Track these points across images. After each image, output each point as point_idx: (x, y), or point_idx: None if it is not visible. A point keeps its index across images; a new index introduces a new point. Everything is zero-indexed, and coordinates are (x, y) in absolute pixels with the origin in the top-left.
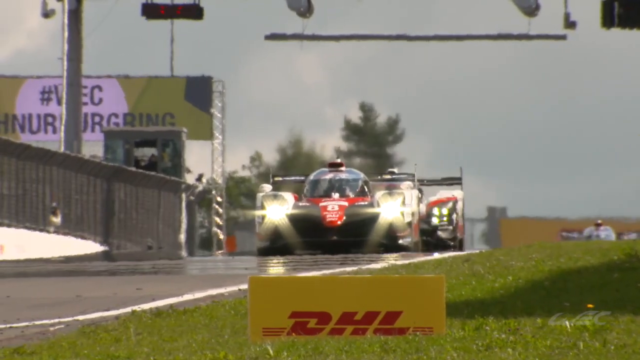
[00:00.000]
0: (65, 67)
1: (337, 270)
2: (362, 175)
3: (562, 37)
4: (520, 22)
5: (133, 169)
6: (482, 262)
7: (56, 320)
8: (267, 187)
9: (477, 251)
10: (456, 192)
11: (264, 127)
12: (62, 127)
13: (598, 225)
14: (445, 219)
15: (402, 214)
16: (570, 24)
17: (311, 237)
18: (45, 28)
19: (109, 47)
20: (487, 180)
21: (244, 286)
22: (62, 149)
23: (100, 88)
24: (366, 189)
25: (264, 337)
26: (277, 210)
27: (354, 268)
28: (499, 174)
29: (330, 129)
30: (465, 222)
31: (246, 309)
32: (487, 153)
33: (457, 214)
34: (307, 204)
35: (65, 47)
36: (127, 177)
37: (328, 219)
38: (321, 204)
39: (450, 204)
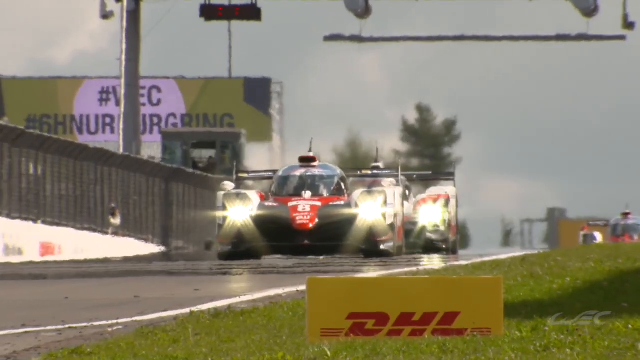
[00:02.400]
0: (123, 68)
1: (395, 271)
2: (338, 171)
3: (621, 38)
4: (579, 23)
5: (190, 170)
6: (540, 263)
7: (114, 321)
8: (229, 185)
9: (536, 252)
10: (448, 189)
11: (321, 128)
12: (121, 128)
13: (626, 214)
14: (435, 219)
15: (383, 216)
16: (628, 25)
17: (279, 241)
18: (105, 29)
19: (166, 48)
20: (547, 181)
21: (302, 287)
22: (120, 150)
23: (158, 89)
24: (343, 187)
25: (321, 338)
26: (240, 211)
27: (412, 269)
28: (559, 174)
29: (389, 130)
30: (458, 222)
31: (304, 309)
32: (545, 154)
33: (449, 213)
34: (275, 204)
35: (124, 48)
36: (185, 178)
37: (298, 221)
38: (290, 204)
39: (441, 202)
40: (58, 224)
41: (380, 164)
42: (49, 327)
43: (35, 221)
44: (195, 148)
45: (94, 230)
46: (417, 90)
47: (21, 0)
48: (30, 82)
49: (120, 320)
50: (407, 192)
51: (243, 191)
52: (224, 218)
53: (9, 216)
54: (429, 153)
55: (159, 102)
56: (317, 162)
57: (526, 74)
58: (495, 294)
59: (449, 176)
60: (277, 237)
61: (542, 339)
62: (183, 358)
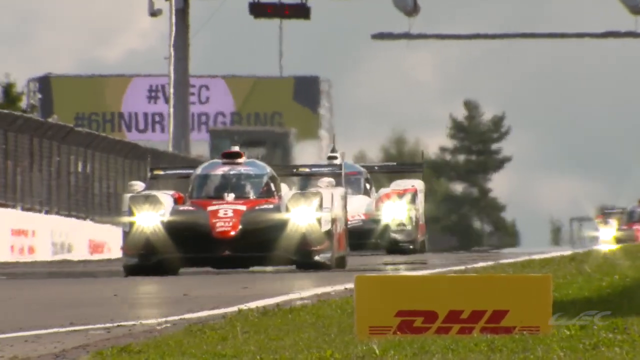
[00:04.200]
0: (172, 66)
1: (443, 269)
2: (267, 169)
3: None
4: (627, 21)
5: None
6: (589, 261)
7: (163, 319)
8: (139, 186)
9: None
10: (416, 182)
11: (370, 126)
12: (171, 127)
13: None
14: (400, 216)
15: (319, 221)
16: None
17: (195, 252)
18: (156, 27)
19: (216, 46)
20: (597, 179)
21: (351, 285)
22: (170, 148)
23: (207, 87)
24: (273, 188)
25: (370, 336)
26: (149, 217)
27: (461, 267)
28: (609, 172)
29: (437, 127)
30: (426, 220)
31: (352, 307)
32: (594, 151)
33: (416, 210)
34: (191, 208)
35: (172, 46)
36: None
37: (218, 229)
38: (210, 209)
39: (407, 198)
40: (106, 222)
41: (338, 154)
42: (97, 325)
43: (84, 219)
44: (244, 146)
45: None
46: (465, 88)
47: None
48: (79, 80)
49: (169, 318)
50: (367, 186)
51: (154, 193)
52: (131, 225)
53: (58, 214)
54: (477, 149)
55: (207, 100)
56: (244, 158)
57: (574, 71)
58: (544, 292)
59: (417, 168)
60: (193, 247)
61: (591, 338)
62: (231, 356)
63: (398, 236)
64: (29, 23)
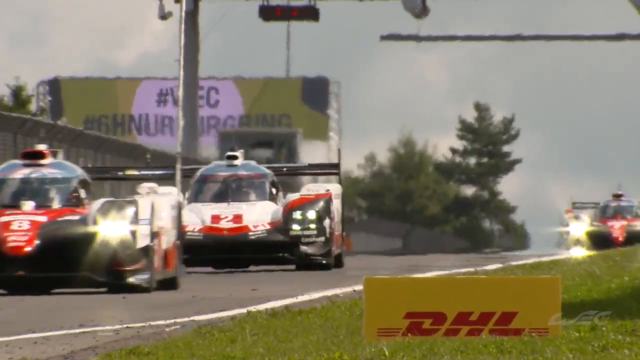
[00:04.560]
0: (181, 69)
1: (452, 271)
2: (78, 171)
3: None
4: (638, 22)
5: None
6: (598, 263)
7: (172, 321)
8: None
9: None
10: (331, 186)
11: (379, 128)
12: (180, 129)
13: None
14: (311, 225)
15: (134, 235)
16: None
17: None
18: (168, 30)
19: (225, 48)
20: (605, 181)
21: (359, 287)
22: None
23: (216, 90)
24: (83, 195)
25: (379, 338)
26: None
27: (470, 269)
28: (618, 174)
29: (447, 128)
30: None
31: (361, 309)
32: (604, 153)
33: (330, 218)
34: None
35: (182, 48)
36: None
37: (10, 243)
38: (2, 220)
39: (320, 204)
40: None
41: (239, 154)
42: (106, 327)
43: None
44: (253, 148)
45: None
46: (476, 89)
47: (87, 1)
48: (88, 83)
49: (178, 320)
50: (274, 191)
51: None
52: None
53: None
54: (487, 151)
55: (216, 103)
56: (50, 158)
57: (584, 72)
58: (553, 294)
59: (332, 169)
60: None
61: (600, 340)
62: (240, 358)
63: (309, 249)
64: (40, 25)
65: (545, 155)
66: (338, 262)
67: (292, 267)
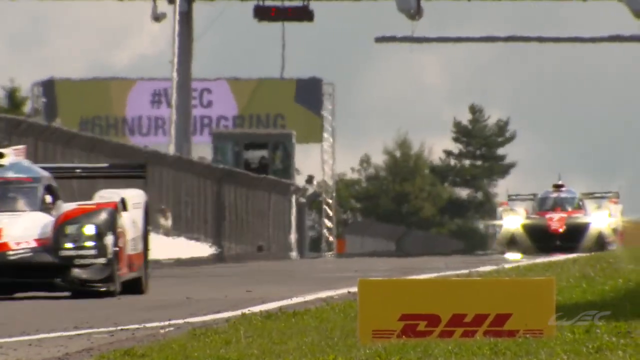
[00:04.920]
0: (175, 70)
1: (447, 273)
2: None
3: None
4: (633, 24)
5: (243, 171)
6: (592, 265)
7: (166, 323)
8: None
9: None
10: (129, 193)
11: (373, 129)
12: (172, 130)
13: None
14: (88, 243)
15: None
16: None
17: None
18: (163, 31)
19: (218, 49)
20: (604, 181)
21: (354, 289)
22: (171, 152)
23: (209, 90)
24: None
25: (373, 340)
26: None
27: (464, 271)
28: (616, 175)
29: (442, 130)
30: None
31: (356, 311)
32: (601, 155)
33: (115, 234)
34: None
35: (175, 49)
36: (237, 179)
37: None
38: None
39: (101, 217)
40: None
41: (7, 151)
42: (101, 329)
43: None
44: (247, 149)
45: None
46: (471, 91)
47: (84, 4)
48: (83, 84)
49: (172, 322)
50: (49, 198)
51: None
52: None
53: None
54: (482, 153)
55: (209, 103)
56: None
57: (580, 74)
58: (547, 295)
59: (136, 171)
60: None
61: (595, 341)
62: (235, 359)
63: (83, 273)
64: (38, 27)
65: (541, 157)
66: (134, 288)
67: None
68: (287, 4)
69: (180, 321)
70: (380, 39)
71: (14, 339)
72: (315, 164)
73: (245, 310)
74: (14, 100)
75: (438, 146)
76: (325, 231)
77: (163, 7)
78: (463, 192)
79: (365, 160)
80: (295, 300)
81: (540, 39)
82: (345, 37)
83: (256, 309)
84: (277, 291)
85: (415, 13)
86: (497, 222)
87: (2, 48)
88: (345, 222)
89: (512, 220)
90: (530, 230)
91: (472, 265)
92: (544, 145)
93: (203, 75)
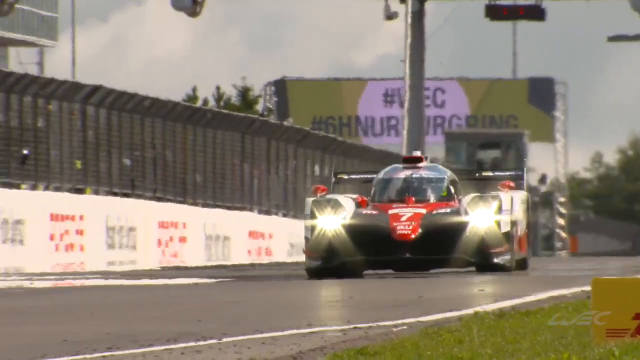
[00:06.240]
0: (407, 69)
1: None
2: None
3: None
4: (636, 24)
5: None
6: None
7: (399, 322)
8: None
9: None
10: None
11: (605, 129)
12: (405, 130)
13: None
14: None
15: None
16: None
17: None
18: (397, 30)
19: (450, 48)
20: None
21: (587, 287)
22: (403, 152)
23: (442, 90)
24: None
25: (607, 339)
26: (332, 220)
27: None
28: None
29: None
30: None
31: (589, 310)
32: None
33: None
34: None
35: (407, 49)
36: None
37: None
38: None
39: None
40: None
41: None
42: (334, 327)
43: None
44: (480, 149)
45: None
46: None
47: (319, 4)
48: (314, 84)
49: (405, 321)
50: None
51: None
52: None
53: (294, 217)
54: None
55: (442, 103)
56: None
57: None
58: None
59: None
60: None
61: None
62: (468, 359)
63: None
64: (272, 28)
65: None
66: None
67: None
68: (519, 2)
69: (413, 320)
70: (612, 39)
71: (247, 337)
72: (547, 163)
73: (478, 309)
74: (246, 99)
75: None
76: (558, 230)
77: (395, 6)
78: None
79: (597, 160)
80: (527, 299)
81: None
82: (578, 35)
83: (489, 307)
84: (509, 289)
85: None
86: (307, 222)
87: (240, 48)
88: (577, 220)
89: (329, 219)
90: (357, 235)
91: None
92: None
93: (435, 74)
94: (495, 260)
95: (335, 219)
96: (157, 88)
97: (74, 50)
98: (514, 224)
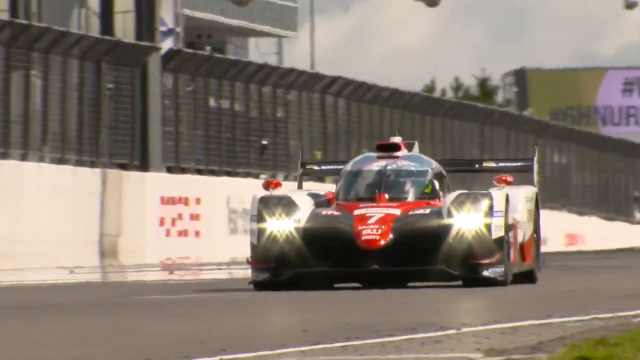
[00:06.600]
0: None
1: None
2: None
3: None
4: None
5: None
6: None
7: (639, 312)
8: None
9: None
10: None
11: None
12: None
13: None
14: None
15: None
16: None
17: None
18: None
19: None
20: None
21: None
22: None
23: None
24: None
25: None
26: (282, 223)
27: None
28: None
29: None
30: None
31: None
32: None
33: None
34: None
35: None
36: None
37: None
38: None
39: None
40: (582, 214)
41: None
42: (573, 318)
43: (559, 210)
44: None
45: (619, 220)
46: None
47: None
48: (553, 74)
49: None
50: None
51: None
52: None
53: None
54: None
55: None
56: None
57: None
58: None
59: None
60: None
61: None
62: None
63: None
64: (516, 18)
65: None
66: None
67: None
68: None
69: None
70: None
71: (487, 327)
72: None
73: None
74: (484, 89)
75: None
76: None
77: None
78: None
79: None
80: None
81: None
82: None
83: None
84: None
85: None
86: (253, 225)
87: (480, 39)
88: None
89: (279, 222)
90: (314, 241)
91: None
92: None
93: None
94: (485, 273)
95: (287, 222)
96: (397, 79)
97: (312, 41)
98: (509, 228)
